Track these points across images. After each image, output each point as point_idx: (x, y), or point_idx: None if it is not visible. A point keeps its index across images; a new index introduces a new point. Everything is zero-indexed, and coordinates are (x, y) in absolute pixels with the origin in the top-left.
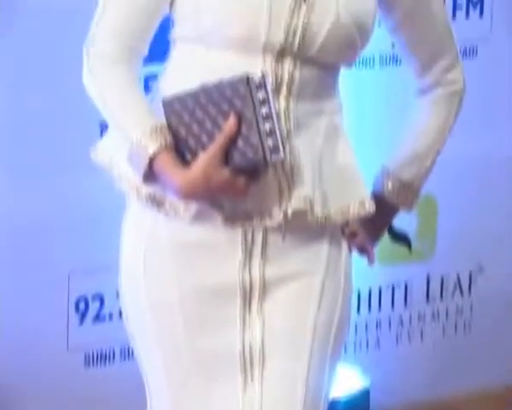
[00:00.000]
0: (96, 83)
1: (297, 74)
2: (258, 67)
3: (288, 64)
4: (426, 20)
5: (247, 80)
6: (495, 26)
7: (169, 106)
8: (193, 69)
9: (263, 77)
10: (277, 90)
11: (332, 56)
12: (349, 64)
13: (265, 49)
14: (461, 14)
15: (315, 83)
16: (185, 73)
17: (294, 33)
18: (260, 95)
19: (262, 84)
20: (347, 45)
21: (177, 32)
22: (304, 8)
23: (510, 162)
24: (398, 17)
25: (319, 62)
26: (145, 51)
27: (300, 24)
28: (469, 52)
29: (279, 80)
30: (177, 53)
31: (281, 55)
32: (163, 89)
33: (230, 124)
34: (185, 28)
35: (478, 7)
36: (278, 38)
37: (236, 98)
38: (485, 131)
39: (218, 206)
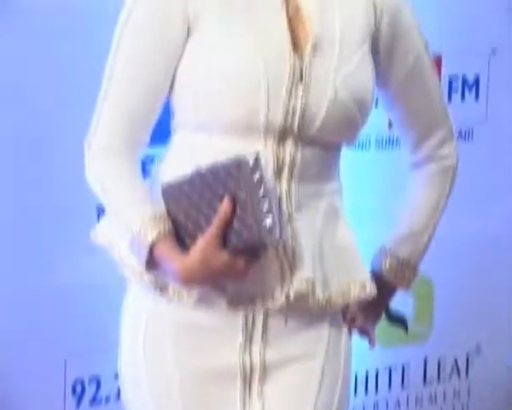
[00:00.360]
0: (96, 174)
1: (299, 156)
2: (259, 150)
3: (289, 146)
4: (420, 93)
5: (240, 163)
6: (490, 109)
7: (167, 192)
8: (195, 155)
9: (256, 159)
10: (279, 172)
11: (333, 135)
12: (350, 143)
13: (266, 132)
14: (456, 96)
15: (316, 164)
16: (187, 159)
17: (293, 114)
18: (255, 176)
19: (256, 166)
20: (347, 123)
21: (177, 120)
22: (300, 88)
23: (506, 242)
24: (393, 90)
25: (320, 142)
26: (147, 139)
27: (299, 105)
28: (465, 135)
29: (281, 163)
30: (178, 139)
31: (282, 137)
32: (164, 174)
33: (225, 207)
34: (185, 115)
35: (473, 90)
36: (278, 120)
37: (231, 181)
38: (480, 211)
39: (222, 290)
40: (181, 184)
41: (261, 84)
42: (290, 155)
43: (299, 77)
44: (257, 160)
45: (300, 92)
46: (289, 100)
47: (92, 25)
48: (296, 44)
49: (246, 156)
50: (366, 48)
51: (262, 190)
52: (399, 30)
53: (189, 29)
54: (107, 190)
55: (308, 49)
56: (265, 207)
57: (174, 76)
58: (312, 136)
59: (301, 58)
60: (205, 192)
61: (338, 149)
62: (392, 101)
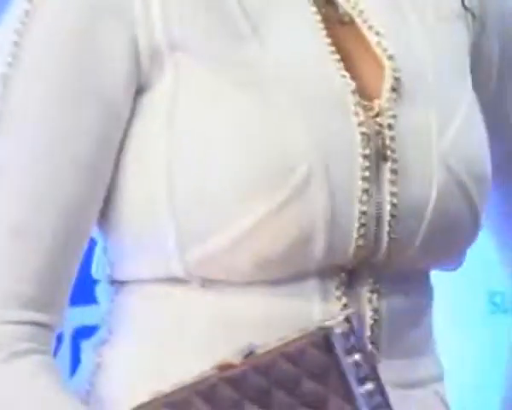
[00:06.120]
0: None
1: (384, 310)
2: (312, 311)
3: (365, 291)
4: None
5: (327, 336)
6: None
7: None
8: (172, 328)
9: (349, 322)
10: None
11: (440, 251)
12: (455, 266)
13: (322, 273)
14: None
15: (411, 323)
16: (157, 336)
17: (379, 225)
18: (353, 359)
19: (350, 336)
20: (463, 220)
21: (124, 265)
22: (386, 170)
23: None
24: (499, 157)
25: (413, 277)
26: (59, 321)
27: (387, 205)
28: None
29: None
30: (130, 301)
31: (352, 278)
32: (115, 373)
33: None
34: (146, 255)
35: None
36: (349, 246)
37: (309, 380)
38: None
39: None
40: (184, 399)
41: (312, 182)
42: (373, 310)
43: (381, 151)
44: (350, 325)
45: (387, 179)
46: (369, 200)
47: None
48: (361, 89)
49: (325, 324)
50: (469, 78)
51: (372, 385)
52: (509, 39)
53: (139, 79)
54: None
55: (386, 94)
56: None
57: (115, 172)
58: (407, 262)
59: (376, 115)
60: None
61: (431, 291)
62: (495, 175)
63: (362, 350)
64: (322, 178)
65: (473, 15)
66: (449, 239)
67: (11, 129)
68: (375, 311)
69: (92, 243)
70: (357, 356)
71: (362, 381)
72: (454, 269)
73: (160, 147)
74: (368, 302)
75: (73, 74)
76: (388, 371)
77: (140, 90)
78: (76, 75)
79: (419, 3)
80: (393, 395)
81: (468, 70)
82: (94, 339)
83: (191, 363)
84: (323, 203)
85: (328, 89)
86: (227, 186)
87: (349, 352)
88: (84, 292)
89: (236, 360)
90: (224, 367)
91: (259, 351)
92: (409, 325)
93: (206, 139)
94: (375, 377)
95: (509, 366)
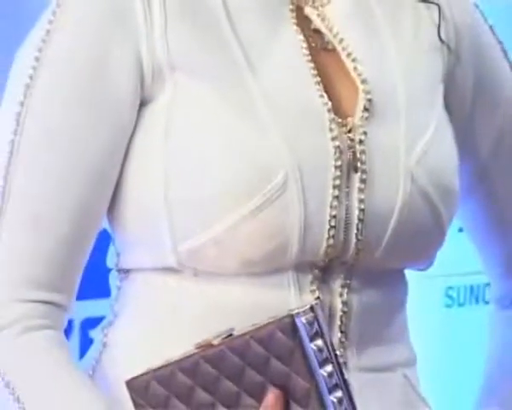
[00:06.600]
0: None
1: (354, 303)
2: (290, 303)
3: (337, 287)
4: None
5: (292, 323)
6: None
7: (140, 391)
8: (168, 312)
9: (313, 311)
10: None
11: (406, 254)
12: (425, 266)
13: (297, 268)
14: None
15: (383, 314)
16: (155, 319)
17: (347, 230)
18: (315, 344)
19: (314, 323)
20: (429, 228)
21: (129, 256)
22: (356, 180)
23: None
24: (470, 173)
25: (385, 274)
26: (70, 302)
27: (355, 211)
28: None
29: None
30: (133, 288)
31: (325, 274)
32: (124, 352)
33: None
34: (149, 248)
35: None
36: (320, 246)
37: (275, 358)
38: None
39: None
40: (168, 372)
41: (289, 188)
42: (343, 303)
43: (352, 163)
44: (315, 314)
45: (356, 188)
46: (339, 205)
47: None
48: (337, 108)
49: (292, 311)
50: (441, 102)
51: (330, 365)
52: (484, 71)
53: (143, 93)
54: (20, 389)
55: (359, 113)
56: (338, 395)
57: (120, 181)
58: (376, 262)
59: (349, 131)
60: (222, 386)
61: (405, 287)
62: (468, 193)
63: (324, 337)
64: (297, 185)
65: (448, 48)
66: (414, 244)
67: (32, 134)
68: (345, 304)
69: (102, 242)
70: (319, 341)
71: (322, 364)
72: (425, 269)
73: (157, 158)
74: (339, 296)
75: (89, 90)
76: (359, 357)
77: (143, 103)
78: (92, 92)
79: (399, 34)
80: (362, 378)
81: (439, 96)
82: (103, 322)
83: (186, 348)
84: (298, 207)
85: (308, 107)
86: (212, 192)
87: (312, 337)
88: (94, 286)
89: (216, 341)
90: (205, 346)
91: (236, 334)
92: (382, 317)
93: (197, 152)
94: (335, 361)
95: (490, 356)
